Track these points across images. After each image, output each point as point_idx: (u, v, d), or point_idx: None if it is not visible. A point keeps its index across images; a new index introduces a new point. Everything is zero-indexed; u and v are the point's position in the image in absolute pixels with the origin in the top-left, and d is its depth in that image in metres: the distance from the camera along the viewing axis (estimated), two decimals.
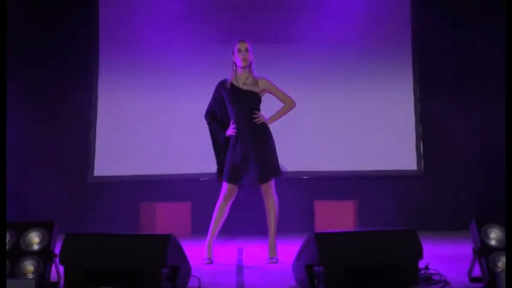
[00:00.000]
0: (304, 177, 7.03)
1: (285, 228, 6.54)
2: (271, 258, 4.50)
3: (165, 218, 6.72)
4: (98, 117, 7.22)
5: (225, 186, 4.53)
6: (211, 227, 4.55)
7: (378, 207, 6.84)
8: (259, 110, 4.61)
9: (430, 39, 7.21)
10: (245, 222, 6.64)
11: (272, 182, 4.56)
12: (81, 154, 7.14)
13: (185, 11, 7.28)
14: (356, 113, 7.12)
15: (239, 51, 4.58)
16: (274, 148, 4.60)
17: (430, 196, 7.00)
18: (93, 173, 7.16)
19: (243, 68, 4.59)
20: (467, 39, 7.09)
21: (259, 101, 4.62)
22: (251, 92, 4.56)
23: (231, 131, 4.56)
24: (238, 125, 4.53)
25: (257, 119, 4.53)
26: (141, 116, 7.16)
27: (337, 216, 6.53)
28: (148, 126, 7.13)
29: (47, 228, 3.27)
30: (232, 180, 4.49)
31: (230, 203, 4.56)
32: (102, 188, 7.11)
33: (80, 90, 7.26)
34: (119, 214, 6.85)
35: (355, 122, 7.10)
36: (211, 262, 4.44)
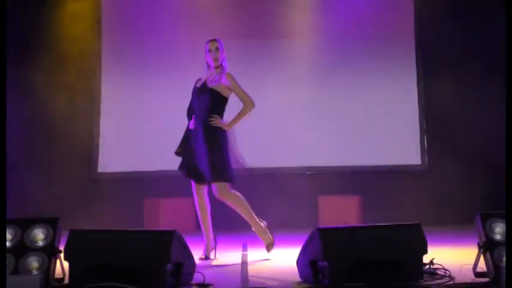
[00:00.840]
0: (308, 172, 7.03)
1: (289, 223, 6.57)
2: (267, 245, 4.50)
3: (169, 213, 6.72)
4: (101, 114, 7.23)
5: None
6: (201, 225, 4.56)
7: (382, 202, 6.83)
8: (220, 109, 4.54)
9: (434, 33, 7.19)
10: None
11: (225, 184, 4.46)
12: (84, 150, 7.15)
13: (189, 6, 7.27)
14: (360, 108, 7.11)
15: (210, 51, 4.59)
16: (227, 153, 4.50)
17: (434, 190, 6.99)
18: (96, 169, 7.17)
19: (215, 67, 4.58)
20: (471, 33, 7.07)
21: (221, 100, 4.54)
22: (213, 90, 4.51)
23: (191, 124, 4.57)
24: (196, 122, 4.53)
25: (212, 121, 4.48)
26: (144, 112, 7.16)
27: (341, 211, 6.53)
28: (151, 122, 7.13)
29: (51, 225, 3.27)
30: (183, 170, 4.57)
31: (202, 194, 4.55)
32: (106, 184, 7.12)
33: (83, 86, 7.27)
34: (123, 210, 6.85)
35: (359, 117, 7.10)
36: (205, 259, 4.45)
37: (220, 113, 4.56)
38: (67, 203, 6.87)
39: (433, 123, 7.15)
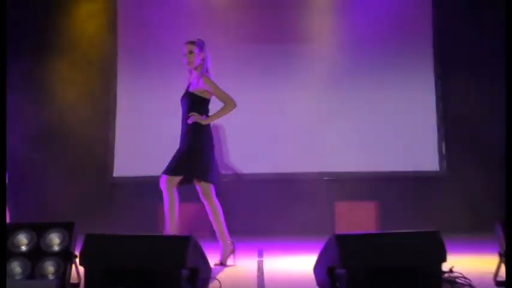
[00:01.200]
0: (325, 178, 6.99)
1: (305, 230, 6.55)
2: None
3: (185, 218, 6.71)
4: (117, 117, 7.24)
5: None
6: (215, 230, 4.62)
7: (399, 209, 6.77)
8: (201, 111, 4.54)
9: (452, 36, 7.13)
10: (265, 223, 6.64)
11: (207, 184, 4.54)
12: (100, 154, 7.17)
13: (206, 10, 7.25)
14: (377, 113, 7.06)
15: (184, 54, 4.62)
16: (204, 152, 4.52)
17: (453, 197, 6.92)
18: (112, 173, 7.19)
19: (194, 70, 4.58)
20: (491, 34, 6.99)
21: (200, 102, 4.54)
22: (191, 94, 4.55)
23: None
24: (182, 126, 4.59)
25: (190, 119, 4.49)
26: (160, 115, 7.16)
27: (358, 218, 6.49)
28: (168, 126, 7.09)
29: (67, 229, 3.29)
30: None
31: (210, 196, 4.59)
32: (122, 188, 7.14)
33: (99, 90, 7.30)
34: (139, 214, 6.86)
35: (375, 122, 7.05)
36: (220, 265, 4.44)
37: (202, 114, 4.54)
38: (82, 207, 6.89)
39: (451, 127, 7.08)
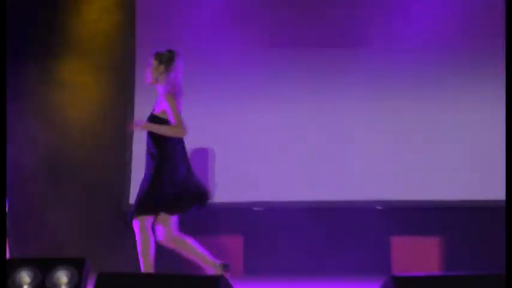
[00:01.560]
0: (378, 207, 6.92)
1: (355, 270, 6.48)
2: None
3: (211, 253, 6.69)
4: (134, 138, 7.27)
5: None
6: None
7: (468, 245, 6.69)
8: (167, 137, 4.57)
9: None
10: (306, 262, 6.59)
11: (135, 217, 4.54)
12: (115, 179, 7.23)
13: (235, 11, 7.27)
14: (440, 131, 6.99)
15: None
16: (163, 180, 4.59)
17: None
18: (128, 200, 7.23)
19: (160, 87, 4.63)
20: None
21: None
22: (154, 117, 4.60)
23: None
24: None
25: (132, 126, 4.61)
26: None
27: (418, 256, 6.42)
28: (191, 145, 7.13)
29: (77, 266, 3.30)
30: None
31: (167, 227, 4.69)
32: None
33: (115, 107, 7.38)
34: (159, 248, 6.87)
35: (438, 142, 6.97)
36: None
37: (170, 140, 4.56)
38: (95, 237, 6.96)
39: None
